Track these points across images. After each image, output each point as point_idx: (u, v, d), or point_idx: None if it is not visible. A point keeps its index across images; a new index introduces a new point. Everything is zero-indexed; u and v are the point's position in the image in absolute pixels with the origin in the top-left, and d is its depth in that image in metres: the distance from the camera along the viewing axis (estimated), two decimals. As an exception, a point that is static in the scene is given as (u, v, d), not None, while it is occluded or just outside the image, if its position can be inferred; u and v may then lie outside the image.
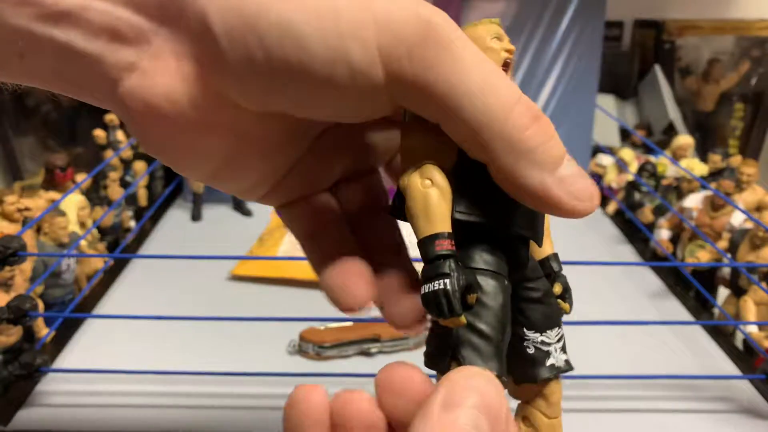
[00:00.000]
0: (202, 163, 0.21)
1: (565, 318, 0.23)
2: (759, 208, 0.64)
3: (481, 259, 0.19)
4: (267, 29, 0.17)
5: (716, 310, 0.63)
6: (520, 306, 0.21)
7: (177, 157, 0.21)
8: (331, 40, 0.17)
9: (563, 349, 0.22)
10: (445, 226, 0.18)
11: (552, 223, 0.23)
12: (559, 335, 0.22)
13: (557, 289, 0.23)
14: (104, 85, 0.19)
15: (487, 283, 0.19)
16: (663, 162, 0.83)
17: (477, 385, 0.17)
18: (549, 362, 0.22)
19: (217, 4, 0.17)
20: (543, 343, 0.22)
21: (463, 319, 0.18)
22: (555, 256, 0.24)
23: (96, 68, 0.18)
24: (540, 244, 0.22)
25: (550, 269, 0.23)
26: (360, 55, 0.17)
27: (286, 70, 0.17)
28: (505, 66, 0.20)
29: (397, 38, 0.17)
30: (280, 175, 0.23)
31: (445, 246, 0.18)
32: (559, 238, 0.81)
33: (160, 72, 0.18)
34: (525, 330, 0.21)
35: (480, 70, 0.18)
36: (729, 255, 0.61)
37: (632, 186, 0.82)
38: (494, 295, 0.19)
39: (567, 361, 0.22)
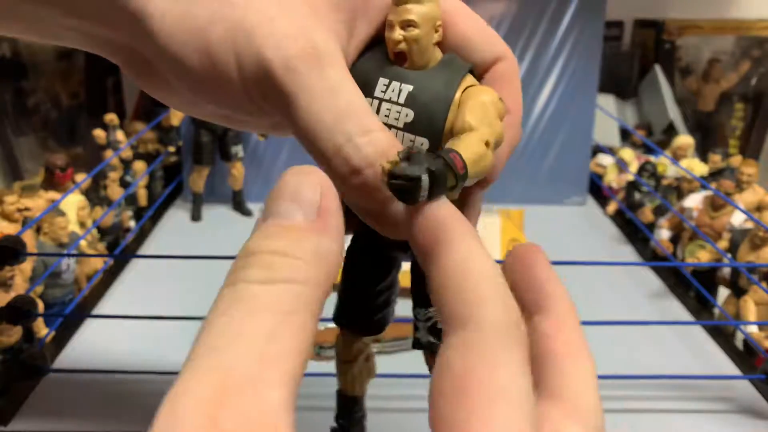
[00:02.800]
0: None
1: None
2: (759, 208, 0.64)
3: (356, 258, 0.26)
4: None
5: (716, 310, 0.63)
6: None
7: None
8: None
9: (429, 330, 0.24)
10: None
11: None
12: (427, 316, 0.24)
13: None
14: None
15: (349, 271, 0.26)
16: (663, 162, 0.83)
17: (285, 181, 0.17)
18: (417, 335, 0.25)
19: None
20: (416, 317, 0.25)
21: None
22: None
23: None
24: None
25: None
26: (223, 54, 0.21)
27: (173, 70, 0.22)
28: (398, 57, 0.22)
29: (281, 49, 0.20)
30: None
31: None
32: (559, 237, 0.81)
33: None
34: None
35: (326, 104, 0.20)
36: (729, 255, 0.61)
37: (632, 186, 0.82)
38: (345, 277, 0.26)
39: (429, 342, 0.24)
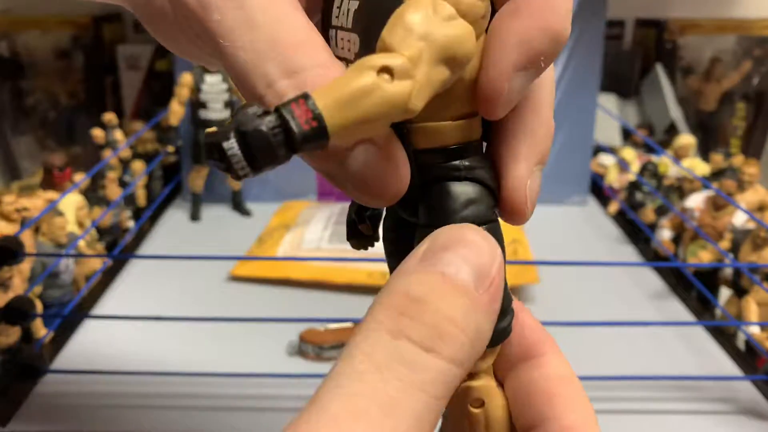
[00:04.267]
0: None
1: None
2: (761, 208, 0.63)
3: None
4: None
5: (718, 311, 0.63)
6: None
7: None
8: None
9: None
10: None
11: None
12: None
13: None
14: None
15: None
16: (665, 162, 0.83)
17: (464, 236, 0.15)
18: None
19: None
20: None
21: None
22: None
23: None
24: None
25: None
26: None
27: None
28: None
29: None
30: None
31: None
32: (559, 237, 0.81)
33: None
34: None
35: (245, 41, 0.16)
36: (731, 255, 0.61)
37: (634, 186, 0.82)
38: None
39: None
